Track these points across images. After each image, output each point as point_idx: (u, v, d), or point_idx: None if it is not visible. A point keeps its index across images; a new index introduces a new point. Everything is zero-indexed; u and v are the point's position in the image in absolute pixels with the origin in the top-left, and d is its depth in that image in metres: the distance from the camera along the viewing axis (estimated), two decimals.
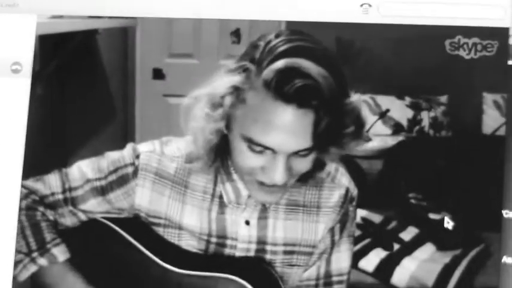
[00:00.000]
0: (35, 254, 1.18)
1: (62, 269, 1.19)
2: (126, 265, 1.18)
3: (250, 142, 1.03)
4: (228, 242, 1.16)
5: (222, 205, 1.15)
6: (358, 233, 1.20)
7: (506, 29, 1.16)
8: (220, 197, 1.15)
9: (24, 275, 1.18)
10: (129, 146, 1.18)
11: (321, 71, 0.99)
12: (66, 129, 1.26)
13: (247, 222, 1.15)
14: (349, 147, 1.07)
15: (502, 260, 1.13)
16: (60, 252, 1.19)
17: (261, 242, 1.16)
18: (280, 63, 0.99)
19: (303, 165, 1.07)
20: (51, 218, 1.20)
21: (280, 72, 0.99)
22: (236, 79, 1.03)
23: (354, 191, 1.17)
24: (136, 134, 1.29)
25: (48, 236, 1.19)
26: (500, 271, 1.13)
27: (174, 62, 1.30)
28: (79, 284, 1.18)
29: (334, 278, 1.18)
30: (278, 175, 1.04)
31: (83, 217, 1.20)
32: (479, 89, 1.22)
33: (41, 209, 1.19)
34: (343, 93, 1.03)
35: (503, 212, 1.14)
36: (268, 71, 1.00)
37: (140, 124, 1.30)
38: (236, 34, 1.26)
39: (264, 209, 1.15)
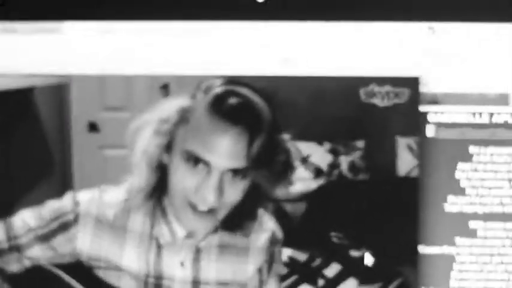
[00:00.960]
0: None
1: None
2: None
3: (189, 155, 1.07)
4: (166, 282, 1.18)
5: (159, 246, 1.17)
6: (285, 270, 1.24)
7: (417, 77, 1.22)
8: (157, 238, 1.17)
9: None
10: (69, 195, 1.19)
11: (259, 100, 1.07)
12: (10, 180, 1.27)
13: (182, 264, 1.18)
14: (280, 178, 1.13)
15: None
16: None
17: (196, 282, 1.18)
18: (222, 87, 1.08)
19: (235, 190, 1.10)
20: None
21: (221, 93, 1.07)
22: (182, 101, 1.09)
23: (279, 234, 1.21)
24: (75, 183, 1.31)
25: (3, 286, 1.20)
26: None
27: (108, 115, 1.33)
28: None
29: None
30: (211, 194, 1.07)
31: (27, 263, 1.20)
32: (393, 134, 1.27)
33: None
34: (277, 127, 1.10)
35: (419, 247, 1.19)
36: (212, 93, 1.07)
37: (78, 174, 1.32)
38: (165, 88, 1.30)
39: (197, 251, 1.18)
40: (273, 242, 1.20)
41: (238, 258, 1.19)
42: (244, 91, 1.09)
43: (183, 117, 1.10)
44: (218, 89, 1.08)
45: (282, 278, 1.22)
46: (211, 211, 1.10)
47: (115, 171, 1.24)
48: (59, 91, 1.33)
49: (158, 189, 1.15)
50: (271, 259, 1.20)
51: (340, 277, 1.24)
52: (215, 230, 1.16)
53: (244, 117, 1.06)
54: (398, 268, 1.22)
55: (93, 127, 1.34)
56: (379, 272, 1.22)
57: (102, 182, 1.22)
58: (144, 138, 1.12)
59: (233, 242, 1.18)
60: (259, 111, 1.08)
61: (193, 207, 1.10)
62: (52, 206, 1.18)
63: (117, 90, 1.34)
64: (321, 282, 1.24)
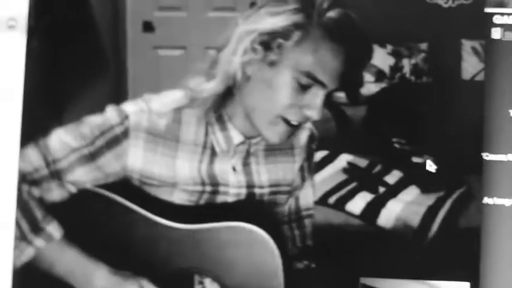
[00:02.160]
0: (30, 236, 1.14)
1: (59, 246, 1.14)
2: (128, 232, 1.17)
3: (308, 76, 1.08)
4: (221, 188, 1.17)
5: (213, 155, 1.17)
6: (344, 177, 1.22)
7: None
8: (211, 147, 1.16)
9: (22, 260, 1.14)
10: (111, 109, 1.15)
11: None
12: (61, 81, 1.25)
13: (234, 169, 1.17)
14: None
15: (484, 201, 1.16)
16: (55, 230, 1.14)
17: (250, 186, 1.19)
18: (337, 11, 1.09)
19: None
20: (36, 195, 1.15)
21: (338, 18, 1.09)
22: (297, 18, 1.08)
23: (316, 132, 1.22)
24: (129, 84, 1.28)
25: (39, 215, 1.14)
26: (482, 212, 1.15)
27: (163, 15, 1.29)
28: (80, 257, 1.15)
29: (304, 213, 1.23)
30: (316, 110, 1.10)
31: (72, 189, 1.16)
32: (458, 36, 1.23)
33: (26, 187, 1.14)
34: None
35: (484, 154, 1.16)
36: (329, 15, 1.09)
37: (132, 75, 1.29)
38: None
39: (246, 156, 1.18)
40: (311, 139, 1.22)
41: (285, 158, 1.20)
42: (353, 15, 1.10)
43: (298, 36, 1.08)
44: (334, 14, 1.09)
45: (341, 185, 1.21)
46: (299, 125, 1.13)
47: (169, 72, 1.22)
48: None
49: (223, 97, 1.14)
50: (310, 157, 1.22)
51: (401, 184, 1.22)
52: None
53: (356, 45, 1.10)
54: (462, 176, 1.19)
55: (148, 26, 1.30)
56: (442, 180, 1.19)
57: (156, 83, 1.20)
58: (242, 48, 1.10)
59: (278, 145, 1.18)
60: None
61: (287, 121, 1.11)
62: (94, 122, 1.14)
63: None
64: (381, 189, 1.21)
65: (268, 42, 1.08)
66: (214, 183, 1.17)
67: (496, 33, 1.19)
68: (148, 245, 1.16)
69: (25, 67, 1.20)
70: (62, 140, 1.14)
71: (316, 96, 1.09)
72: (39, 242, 1.13)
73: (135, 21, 1.30)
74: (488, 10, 1.19)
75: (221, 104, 1.15)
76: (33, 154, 1.14)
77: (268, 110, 1.11)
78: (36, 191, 1.14)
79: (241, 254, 1.15)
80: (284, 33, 1.07)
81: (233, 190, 1.18)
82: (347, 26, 1.09)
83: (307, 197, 1.22)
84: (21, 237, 1.13)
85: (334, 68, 1.09)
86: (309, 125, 1.21)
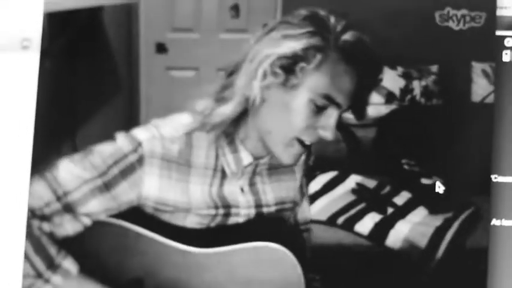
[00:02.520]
0: (47, 274, 1.11)
1: (77, 282, 1.12)
2: (144, 258, 1.16)
3: (326, 98, 1.08)
4: (233, 210, 1.18)
5: (222, 177, 1.17)
6: (353, 197, 1.23)
7: (494, 1, 1.18)
8: (221, 169, 1.17)
9: None
10: (122, 136, 1.14)
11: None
12: (74, 102, 1.26)
13: (242, 189, 1.18)
14: None
15: (492, 223, 1.15)
16: (71, 265, 1.12)
17: (258, 205, 1.20)
18: (352, 35, 1.10)
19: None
20: (47, 230, 1.12)
21: (353, 41, 1.09)
22: (315, 41, 1.08)
23: (311, 148, 1.22)
24: (141, 105, 1.29)
25: (53, 251, 1.11)
26: (490, 233, 1.15)
27: (176, 36, 1.31)
28: None
29: (302, 227, 1.24)
30: (330, 131, 1.10)
31: (87, 221, 1.14)
32: (468, 59, 1.23)
33: (36, 223, 1.11)
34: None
35: (492, 176, 1.16)
36: (344, 39, 1.09)
37: (144, 95, 1.30)
38: (235, 9, 1.27)
39: (252, 176, 1.19)
40: (308, 155, 1.23)
41: (287, 176, 1.21)
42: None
43: (315, 57, 1.08)
44: (349, 36, 1.09)
45: (350, 206, 1.21)
46: (311, 145, 1.12)
47: (181, 93, 1.23)
48: (127, 11, 1.31)
49: (236, 120, 1.15)
50: (307, 173, 1.23)
51: (410, 205, 1.21)
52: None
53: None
54: (470, 198, 1.19)
55: (161, 48, 1.32)
56: (450, 201, 1.19)
57: (168, 104, 1.21)
58: (258, 71, 1.10)
59: (278, 163, 1.18)
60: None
61: (302, 142, 1.11)
62: (106, 151, 1.12)
63: (186, 10, 1.30)
64: (390, 210, 1.22)
65: (290, 65, 1.08)
66: (226, 206, 1.18)
67: (506, 56, 1.19)
68: (166, 272, 1.16)
69: (38, 88, 1.20)
70: (71, 171, 1.12)
71: (330, 117, 1.10)
72: (56, 279, 1.11)
73: (148, 43, 1.31)
74: (499, 33, 1.19)
75: (234, 128, 1.16)
76: (41, 188, 1.12)
77: (285, 132, 1.11)
78: (46, 226, 1.11)
79: (263, 272, 1.16)
80: (305, 57, 1.08)
81: (244, 211, 1.19)
82: (361, 49, 1.09)
83: (305, 211, 1.23)
84: (37, 275, 1.11)
85: (348, 89, 1.09)
86: None
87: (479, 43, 1.20)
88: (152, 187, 1.14)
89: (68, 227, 1.12)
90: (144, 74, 1.30)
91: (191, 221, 1.17)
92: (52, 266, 1.10)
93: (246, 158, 1.17)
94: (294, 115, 1.10)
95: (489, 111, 1.18)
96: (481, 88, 1.20)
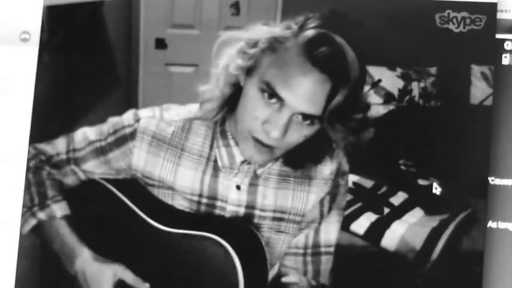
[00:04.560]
0: (35, 208, 1.21)
1: (58, 224, 1.21)
2: (118, 224, 1.22)
3: (267, 87, 1.08)
4: (218, 203, 1.18)
5: (216, 169, 1.18)
6: (349, 197, 1.21)
7: (495, 4, 1.17)
8: (215, 161, 1.18)
9: (26, 228, 1.22)
10: (130, 112, 1.22)
11: (351, 54, 1.08)
12: (72, 95, 1.26)
13: (238, 187, 1.18)
14: (354, 134, 1.15)
15: (488, 225, 1.15)
16: (59, 209, 1.22)
17: (250, 206, 1.19)
18: (318, 31, 1.09)
19: (299, 134, 1.10)
20: (56, 177, 1.23)
21: (315, 37, 1.08)
22: (276, 31, 1.10)
23: (346, 166, 1.20)
24: (139, 99, 1.29)
25: (50, 193, 1.22)
26: (486, 235, 1.14)
27: (176, 32, 1.30)
28: (70, 238, 1.21)
29: (323, 249, 1.20)
30: (277, 129, 1.08)
31: (82, 176, 1.23)
32: (468, 61, 1.22)
33: (47, 168, 1.22)
34: (362, 83, 1.14)
35: (489, 178, 1.15)
36: (306, 34, 1.08)
37: (143, 91, 1.29)
38: (235, 6, 1.26)
39: (255, 177, 1.18)
40: (338, 173, 1.19)
41: (299, 186, 1.18)
42: (339, 40, 1.08)
43: (272, 46, 1.09)
44: (312, 32, 1.08)
45: (346, 205, 1.20)
46: (269, 146, 1.11)
47: (180, 89, 1.23)
48: (128, 6, 1.30)
49: (227, 106, 1.16)
50: (335, 191, 1.19)
51: (406, 206, 1.20)
52: (276, 160, 1.16)
53: (333, 68, 1.07)
54: (467, 199, 1.18)
55: (160, 43, 1.31)
56: (447, 202, 1.18)
57: (166, 99, 1.21)
58: (228, 55, 1.12)
59: (294, 172, 1.18)
60: (349, 65, 1.08)
61: (255, 138, 1.11)
62: (113, 120, 1.20)
63: (186, 6, 1.29)
64: (386, 210, 1.21)
65: (250, 50, 1.11)
66: (212, 197, 1.18)
67: (505, 59, 1.18)
68: (135, 238, 1.22)
69: (36, 81, 1.22)
70: (84, 134, 1.22)
71: (282, 116, 1.09)
72: (41, 215, 1.21)
73: (148, 38, 1.30)
74: (499, 36, 1.19)
75: (221, 110, 1.18)
76: (61, 142, 1.23)
77: (242, 123, 1.14)
78: (56, 173, 1.22)
79: (206, 270, 1.18)
80: (267, 45, 1.09)
81: (230, 207, 1.19)
82: (325, 49, 1.08)
83: (330, 233, 1.20)
84: (28, 208, 1.21)
85: (303, 89, 1.08)
86: (339, 157, 1.20)
87: (479, 46, 1.19)
88: (140, 160, 1.19)
89: (69, 177, 1.23)
90: (143, 70, 1.29)
91: (179, 203, 1.19)
92: (42, 204, 1.21)
93: (239, 156, 1.17)
94: (247, 102, 1.12)
95: (487, 114, 1.17)
96: (479, 91, 1.19)
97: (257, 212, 1.19)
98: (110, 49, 1.28)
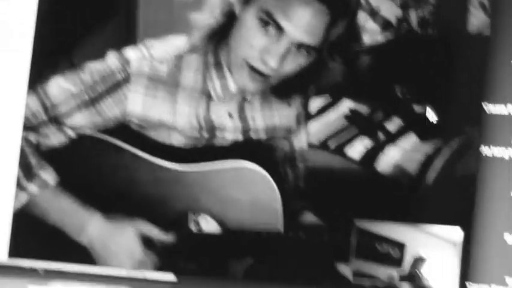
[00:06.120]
0: (24, 182, 1.15)
1: (53, 194, 1.16)
2: (126, 175, 1.19)
3: (267, 16, 1.08)
4: (218, 133, 1.19)
5: (208, 101, 1.18)
6: (345, 122, 1.22)
7: None
8: (208, 93, 1.18)
9: (15, 206, 1.16)
10: (111, 55, 1.17)
11: None
12: (71, 22, 1.25)
13: (230, 115, 1.19)
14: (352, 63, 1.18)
15: (481, 151, 1.15)
16: (50, 176, 1.16)
17: (246, 130, 1.20)
18: None
19: (295, 63, 1.11)
20: (33, 141, 1.16)
21: None
22: None
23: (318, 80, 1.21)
24: (139, 28, 1.28)
25: (33, 161, 1.15)
26: (479, 161, 1.15)
27: None
28: (74, 206, 1.16)
29: (297, 156, 1.23)
30: (275, 58, 1.09)
31: (71, 133, 1.17)
32: None
33: (23, 133, 1.16)
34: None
35: (484, 105, 1.15)
36: None
37: (142, 19, 1.28)
38: None
39: (242, 102, 1.19)
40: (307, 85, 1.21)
41: (281, 105, 1.20)
42: None
43: None
44: None
45: (342, 130, 1.21)
46: (265, 75, 1.11)
47: (181, 18, 1.22)
48: None
49: (218, 36, 1.15)
50: (306, 102, 1.22)
51: (401, 132, 1.21)
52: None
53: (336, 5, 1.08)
54: (462, 126, 1.18)
55: None
56: (442, 128, 1.18)
57: (167, 25, 1.20)
58: None
59: (274, 94, 1.19)
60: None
61: (251, 66, 1.11)
62: (95, 68, 1.14)
63: None
64: (381, 136, 1.21)
65: None
66: (211, 129, 1.18)
67: None
68: (147, 187, 1.18)
69: (38, 7, 1.21)
70: (61, 86, 1.15)
71: (280, 45, 1.09)
72: (32, 188, 1.15)
73: None
74: None
75: (213, 38, 1.16)
76: (31, 100, 1.16)
77: (237, 51, 1.13)
78: (33, 137, 1.15)
79: (242, 192, 1.17)
80: None
81: (229, 135, 1.20)
82: None
83: (301, 141, 1.22)
84: (15, 183, 1.15)
85: (302, 19, 1.08)
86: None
87: None
88: (136, 104, 1.16)
89: (54, 138, 1.16)
90: None
91: (176, 139, 1.18)
92: (29, 174, 1.15)
93: (233, 86, 1.17)
94: (243, 31, 1.12)
95: (484, 43, 1.16)
96: (477, 19, 1.18)
97: (253, 135, 1.20)
98: None
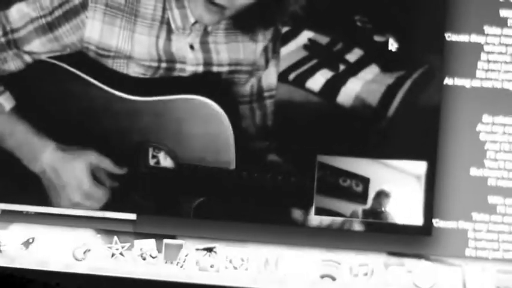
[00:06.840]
0: None
1: (9, 119, 1.16)
2: (80, 104, 1.17)
3: None
4: (177, 65, 1.16)
5: (169, 31, 1.15)
6: (304, 53, 1.18)
7: None
8: (168, 23, 1.15)
9: None
10: None
11: None
12: None
13: (192, 47, 1.16)
14: None
15: (444, 81, 1.13)
16: (6, 101, 1.16)
17: (207, 63, 1.17)
18: None
19: None
20: None
21: None
22: None
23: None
24: None
25: None
26: (442, 92, 1.13)
27: None
28: (28, 133, 1.16)
29: (265, 93, 1.19)
30: None
31: (28, 59, 1.16)
32: None
33: None
34: None
35: (446, 34, 1.13)
36: None
37: None
38: None
39: (205, 34, 1.16)
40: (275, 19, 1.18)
41: (246, 38, 1.17)
42: None
43: None
44: None
45: (302, 62, 1.17)
46: (220, 6, 1.12)
47: None
48: None
49: None
50: (275, 37, 1.17)
51: (362, 63, 1.18)
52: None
53: None
54: (424, 56, 1.15)
55: None
56: (403, 59, 1.16)
57: None
58: None
59: (240, 23, 1.17)
60: None
61: (208, 1, 1.11)
62: None
63: None
64: (341, 67, 1.18)
65: None
66: (171, 60, 1.16)
67: None
68: (103, 118, 1.17)
69: None
70: (22, 10, 1.14)
71: None
72: None
73: None
74: None
75: None
76: None
77: None
78: None
79: (196, 127, 1.16)
80: None
81: (190, 67, 1.17)
82: None
83: (270, 77, 1.19)
84: None
85: None
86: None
87: None
88: (94, 32, 1.15)
89: (11, 63, 1.16)
90: None
91: (134, 71, 1.16)
92: None
93: (191, 16, 1.15)
94: None
95: None
96: None
97: (215, 68, 1.17)
98: None
